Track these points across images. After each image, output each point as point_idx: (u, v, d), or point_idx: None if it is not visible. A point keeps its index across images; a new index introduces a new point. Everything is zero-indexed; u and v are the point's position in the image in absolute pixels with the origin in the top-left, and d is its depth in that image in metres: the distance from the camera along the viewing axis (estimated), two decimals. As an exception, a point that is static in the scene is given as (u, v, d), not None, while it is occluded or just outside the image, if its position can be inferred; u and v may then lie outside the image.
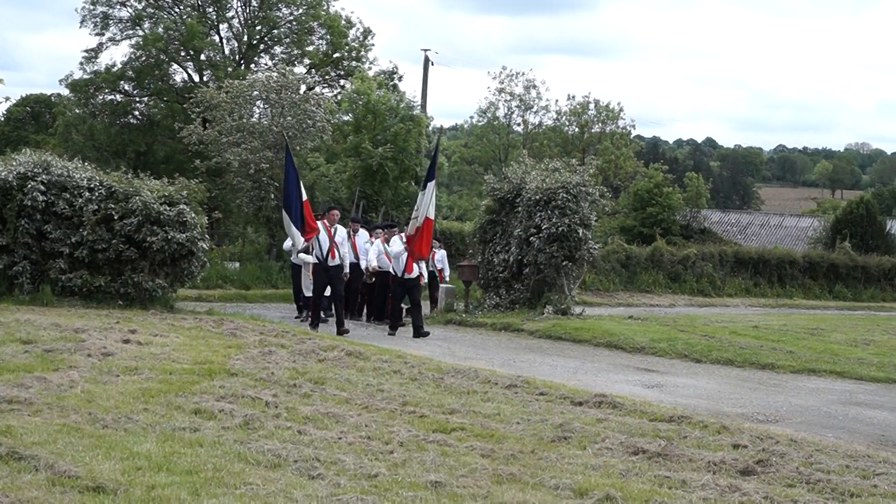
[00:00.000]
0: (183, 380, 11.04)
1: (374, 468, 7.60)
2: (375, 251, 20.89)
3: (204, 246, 19.70)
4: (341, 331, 18.37)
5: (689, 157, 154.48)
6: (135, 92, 50.73)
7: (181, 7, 49.31)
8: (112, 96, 50.31)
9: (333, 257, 18.92)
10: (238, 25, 50.55)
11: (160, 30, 47.90)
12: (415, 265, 19.62)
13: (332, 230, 19.08)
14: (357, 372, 12.45)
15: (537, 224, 22.35)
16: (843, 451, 9.52)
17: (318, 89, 40.08)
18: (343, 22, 49.39)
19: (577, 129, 61.15)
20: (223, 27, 50.28)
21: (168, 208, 19.06)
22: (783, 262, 40.16)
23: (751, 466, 8.34)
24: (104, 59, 49.72)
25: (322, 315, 20.14)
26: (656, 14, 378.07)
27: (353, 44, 49.89)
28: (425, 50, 42.65)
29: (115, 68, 48.88)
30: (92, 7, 48.19)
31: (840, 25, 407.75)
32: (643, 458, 8.59)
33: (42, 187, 18.84)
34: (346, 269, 19.53)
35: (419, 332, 18.90)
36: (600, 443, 9.05)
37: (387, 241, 20.96)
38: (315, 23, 49.51)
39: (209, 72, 48.31)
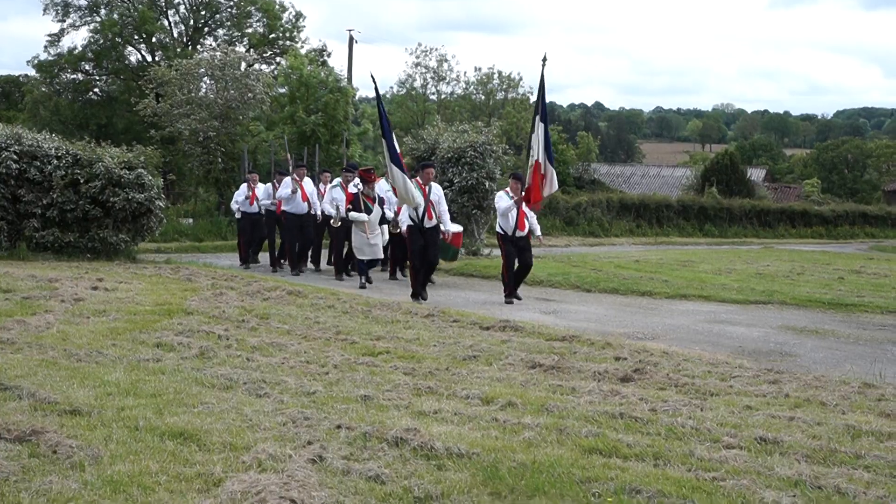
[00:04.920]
0: (146, 319, 11.04)
1: (312, 387, 7.71)
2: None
3: (160, 204, 19.57)
4: (422, 294, 15.00)
5: (581, 119, 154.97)
6: (94, 71, 49.69)
7: (133, -5, 48.42)
8: (74, 76, 49.25)
9: (430, 218, 15.13)
10: (185, 11, 49.73)
11: (115, 16, 46.98)
12: (525, 222, 15.35)
13: (427, 189, 15.24)
14: (297, 308, 12.51)
15: (450, 178, 22.39)
16: (706, 359, 9.76)
17: (256, 66, 39.56)
18: (277, 6, 48.88)
19: (483, 97, 61.11)
20: (171, 12, 49.43)
21: (128, 172, 18.89)
22: (661, 206, 40.84)
23: (629, 375, 8.57)
24: (66, 43, 48.80)
25: (359, 275, 17.28)
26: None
27: (286, 25, 49.37)
28: (350, 30, 42.37)
29: (77, 51, 47.86)
30: (54, -4, 47.20)
31: (704, 0, 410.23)
32: (540, 371, 8.78)
33: (15, 157, 18.53)
34: (448, 228, 15.82)
35: (514, 295, 15.34)
36: (504, 360, 9.23)
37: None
38: (252, 7, 48.91)
39: (160, 52, 47.48)
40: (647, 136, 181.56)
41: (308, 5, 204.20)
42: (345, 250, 18.35)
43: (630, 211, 39.48)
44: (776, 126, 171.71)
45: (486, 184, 22.48)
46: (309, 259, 20.03)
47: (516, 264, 15.36)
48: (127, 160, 19.27)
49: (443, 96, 61.28)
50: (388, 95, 58.77)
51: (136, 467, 5.47)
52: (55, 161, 18.82)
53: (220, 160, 29.88)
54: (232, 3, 49.21)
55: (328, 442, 6.08)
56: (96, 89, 50.55)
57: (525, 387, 8.06)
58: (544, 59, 14.33)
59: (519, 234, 15.27)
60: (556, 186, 15.50)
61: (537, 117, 14.75)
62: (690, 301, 16.24)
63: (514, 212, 15.15)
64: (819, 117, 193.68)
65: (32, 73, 50.30)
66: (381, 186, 17.42)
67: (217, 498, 5.05)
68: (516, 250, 15.35)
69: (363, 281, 17.06)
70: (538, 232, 15.88)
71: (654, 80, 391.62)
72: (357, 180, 17.73)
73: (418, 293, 14.93)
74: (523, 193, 15.00)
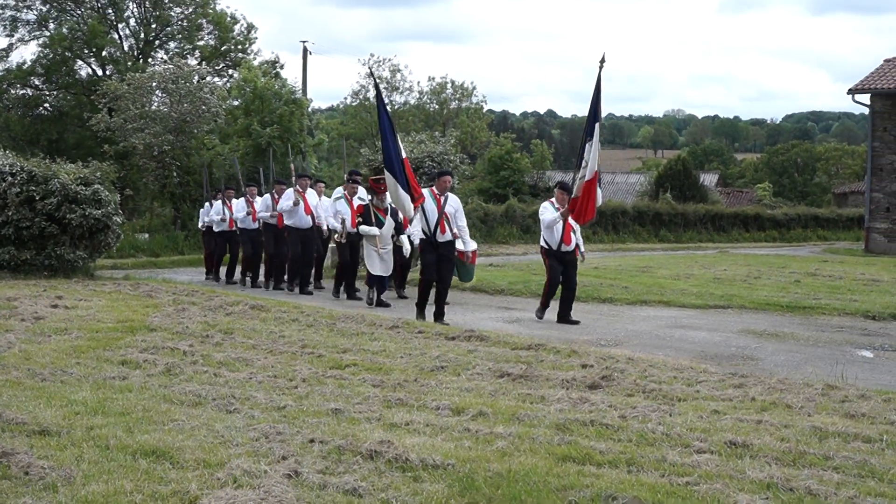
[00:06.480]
0: (108, 336, 10.95)
1: (282, 401, 7.69)
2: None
3: (118, 220, 19.39)
4: (439, 319, 13.75)
5: (534, 127, 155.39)
6: (44, 86, 49.22)
7: (83, 9, 47.83)
8: (24, 91, 48.77)
9: (444, 231, 13.72)
10: (135, 24, 49.36)
11: (65, 30, 46.54)
12: (572, 236, 14.36)
13: (442, 199, 13.85)
14: (261, 322, 12.46)
15: (408, 189, 22.43)
16: (671, 365, 9.85)
17: (209, 79, 39.34)
18: (229, 18, 48.62)
19: (437, 107, 61.28)
20: (121, 26, 49.04)
21: (84, 188, 18.70)
22: (616, 212, 41.02)
23: (597, 382, 8.61)
24: (15, 58, 48.50)
25: (372, 296, 16.18)
26: (503, 1, 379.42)
27: (238, 38, 49.10)
28: (303, 41, 42.32)
29: (26, 65, 47.38)
30: (1, 11, 46.71)
31: (654, 8, 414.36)
32: (508, 380, 8.81)
33: (-33, 174, 18.34)
34: (468, 248, 14.81)
35: (568, 318, 14.26)
36: (471, 370, 9.25)
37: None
38: (204, 20, 48.65)
39: (111, 66, 47.12)
40: (600, 143, 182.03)
41: (259, 17, 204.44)
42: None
43: (586, 218, 39.65)
44: (726, 131, 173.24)
45: (445, 193, 22.53)
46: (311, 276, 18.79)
47: (560, 281, 14.42)
48: (83, 176, 19.11)
49: (396, 106, 61.39)
50: (341, 106, 58.66)
51: (110, 487, 5.44)
52: (10, 178, 18.60)
53: (175, 174, 29.74)
54: (183, 16, 48.95)
55: (302, 456, 6.08)
56: (46, 104, 50.03)
57: (494, 396, 8.09)
58: (602, 61, 13.11)
59: (565, 248, 14.38)
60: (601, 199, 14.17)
61: (597, 124, 13.37)
62: (651, 307, 16.36)
63: (560, 224, 14.23)
64: (768, 122, 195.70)
65: (-20, 89, 49.76)
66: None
67: (195, 516, 5.03)
68: (561, 266, 14.41)
69: (373, 296, 16.13)
70: (583, 248, 15.00)
71: (606, 88, 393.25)
72: (362, 191, 17.18)
73: (424, 307, 13.91)
74: (569, 206, 13.84)
